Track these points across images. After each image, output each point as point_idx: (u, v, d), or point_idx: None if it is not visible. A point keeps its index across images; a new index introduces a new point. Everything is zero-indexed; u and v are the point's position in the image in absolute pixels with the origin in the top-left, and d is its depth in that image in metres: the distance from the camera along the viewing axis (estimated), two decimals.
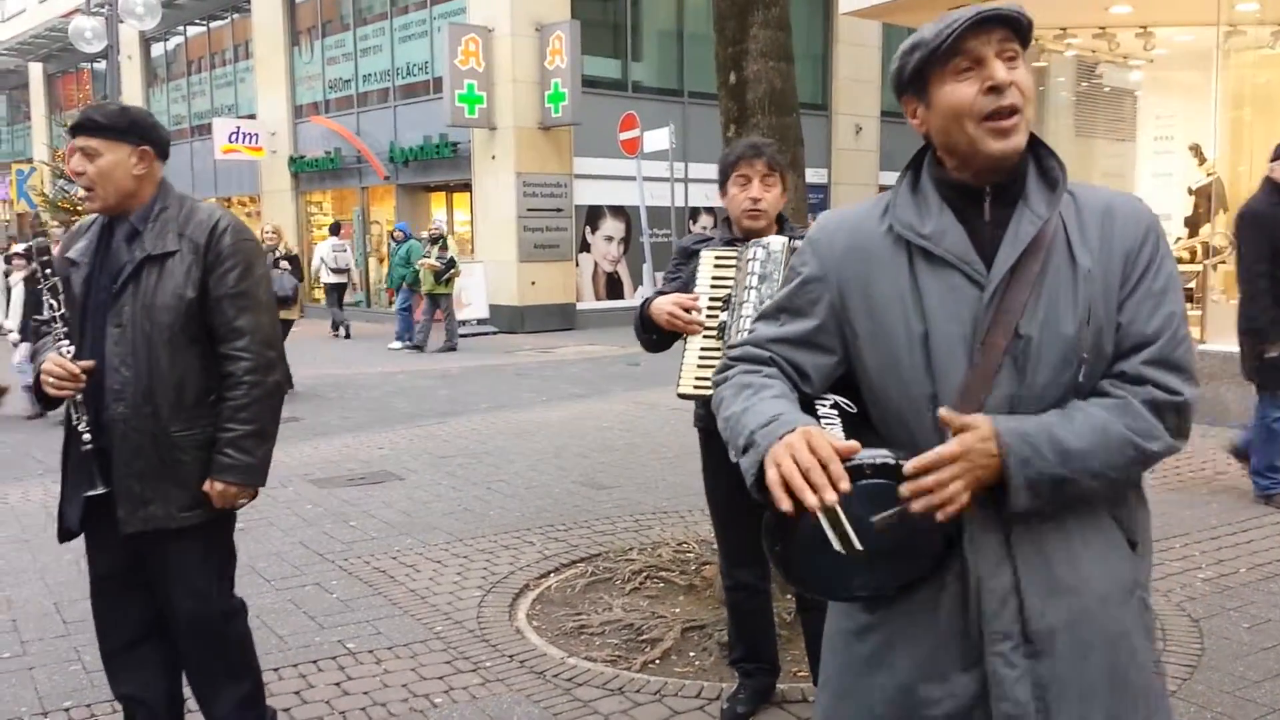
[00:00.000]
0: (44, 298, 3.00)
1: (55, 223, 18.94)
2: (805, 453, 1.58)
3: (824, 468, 1.57)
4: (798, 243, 3.24)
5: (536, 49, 19.29)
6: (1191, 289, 9.87)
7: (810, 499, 1.55)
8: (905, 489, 1.61)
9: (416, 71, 21.57)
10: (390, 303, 23.13)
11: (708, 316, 3.32)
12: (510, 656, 4.28)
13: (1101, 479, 1.67)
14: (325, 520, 6.37)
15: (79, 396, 2.96)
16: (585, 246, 20.60)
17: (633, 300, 20.95)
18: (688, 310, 3.32)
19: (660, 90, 21.26)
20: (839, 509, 1.58)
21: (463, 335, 18.59)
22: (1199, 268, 10.15)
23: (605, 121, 18.48)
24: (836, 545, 1.62)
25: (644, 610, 4.67)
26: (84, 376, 2.92)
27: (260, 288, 3.08)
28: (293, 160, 24.32)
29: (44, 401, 3.05)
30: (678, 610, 4.65)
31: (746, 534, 3.62)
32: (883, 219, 1.81)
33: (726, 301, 3.30)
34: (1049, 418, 1.67)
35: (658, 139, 16.93)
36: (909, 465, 1.62)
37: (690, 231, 19.82)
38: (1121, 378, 1.70)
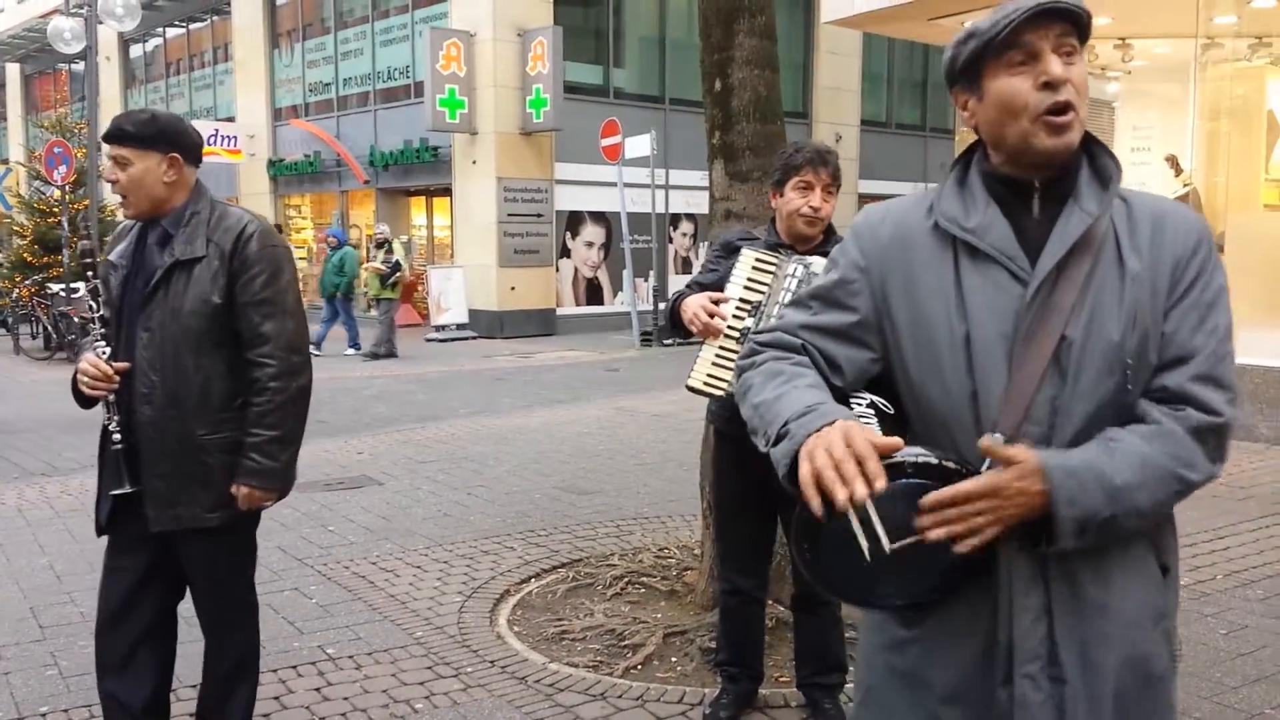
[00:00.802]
0: (86, 299, 3.08)
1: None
2: (841, 446, 1.51)
3: (860, 463, 1.49)
4: None
5: (518, 54, 19.29)
6: None
7: (840, 493, 1.47)
8: (924, 520, 1.54)
9: (397, 75, 21.54)
10: (369, 308, 23.12)
11: (735, 316, 3.26)
12: (491, 662, 4.27)
13: (1144, 516, 1.62)
14: (303, 525, 6.33)
15: (111, 397, 3.00)
16: (565, 252, 20.61)
17: (613, 306, 20.98)
18: (712, 314, 3.26)
19: (642, 97, 21.30)
20: (870, 507, 1.49)
21: (441, 340, 18.57)
22: None
23: (586, 127, 18.52)
24: (863, 546, 1.53)
25: (625, 616, 4.66)
26: (117, 377, 2.97)
27: (287, 293, 3.09)
28: (272, 163, 24.24)
29: (81, 401, 3.08)
30: (659, 616, 4.65)
31: (750, 539, 3.61)
32: (929, 213, 1.75)
33: (755, 307, 3.25)
34: (1091, 453, 1.59)
35: (639, 145, 16.98)
36: (929, 498, 1.54)
37: (670, 239, 19.87)
38: (1163, 394, 1.63)
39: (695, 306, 3.29)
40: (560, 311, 20.40)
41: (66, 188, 17.07)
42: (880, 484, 1.47)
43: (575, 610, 4.81)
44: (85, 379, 2.97)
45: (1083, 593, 1.66)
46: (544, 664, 4.24)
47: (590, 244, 21.00)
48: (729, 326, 3.25)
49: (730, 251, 3.44)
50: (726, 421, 3.51)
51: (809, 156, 3.40)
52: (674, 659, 4.24)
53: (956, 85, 1.73)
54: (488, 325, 19.38)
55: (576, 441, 9.09)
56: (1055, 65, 1.61)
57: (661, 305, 14.11)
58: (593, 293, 21.18)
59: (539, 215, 19.92)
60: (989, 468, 1.58)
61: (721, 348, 3.25)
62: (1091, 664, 1.66)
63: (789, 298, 3.14)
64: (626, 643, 4.37)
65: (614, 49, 21.40)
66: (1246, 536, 5.87)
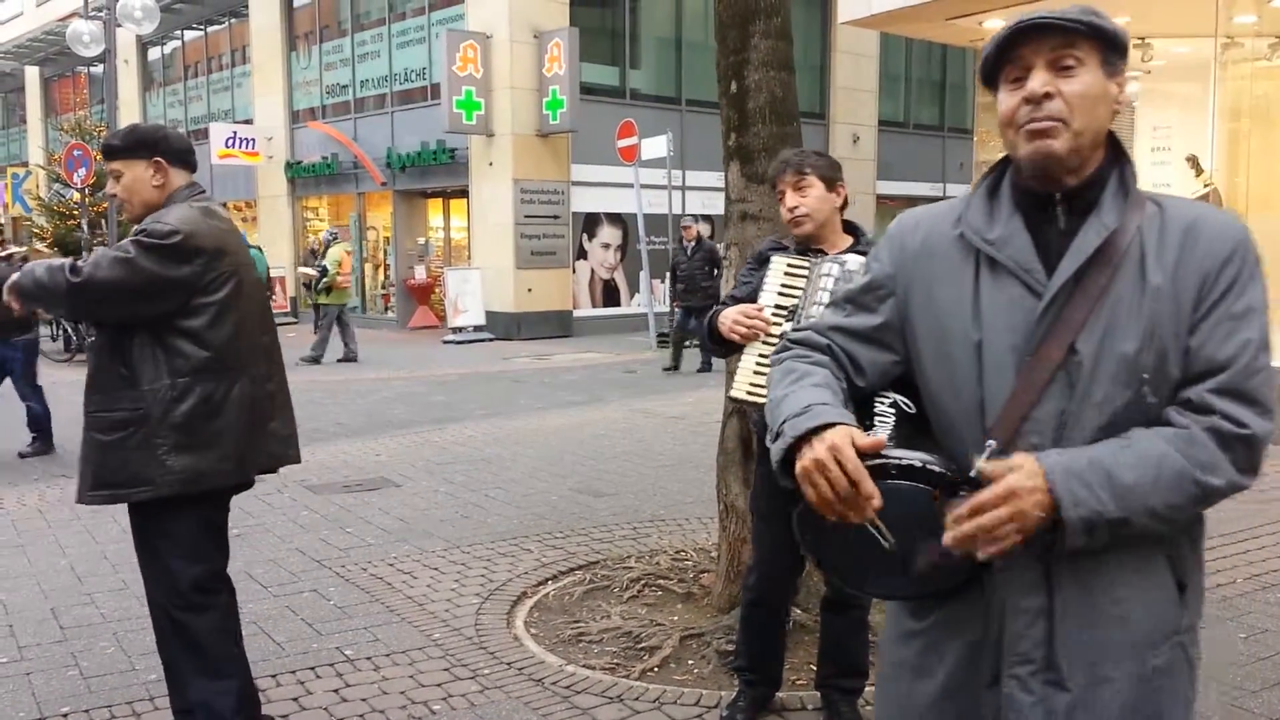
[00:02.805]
0: None
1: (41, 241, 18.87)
2: (836, 471, 1.59)
3: (855, 486, 1.59)
4: None
5: (535, 56, 19.31)
6: None
7: (851, 519, 1.61)
8: (948, 538, 1.58)
9: (414, 77, 21.58)
10: (387, 307, 23.20)
11: (773, 322, 3.25)
12: (508, 664, 4.28)
13: (1160, 518, 1.58)
14: (322, 526, 6.36)
15: None
16: (582, 254, 20.62)
17: (630, 308, 20.98)
18: (752, 316, 3.26)
19: (658, 98, 21.29)
20: (875, 520, 1.63)
21: (458, 342, 18.60)
22: None
23: (603, 129, 18.52)
24: (886, 545, 1.65)
25: (642, 618, 4.66)
26: None
27: (132, 247, 3.18)
28: (289, 166, 24.32)
29: None
30: (676, 618, 4.64)
31: (786, 549, 3.41)
32: (956, 224, 1.77)
33: (792, 312, 3.24)
34: (1102, 450, 1.59)
35: (655, 146, 16.97)
36: (952, 515, 1.58)
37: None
38: (1187, 405, 1.61)
39: (731, 317, 3.29)
40: (577, 313, 20.41)
41: (86, 190, 17.17)
42: (876, 503, 1.59)
43: (592, 612, 4.81)
44: None
45: (1091, 600, 1.65)
46: (561, 666, 4.24)
47: (607, 245, 21.01)
48: (768, 333, 3.23)
49: (761, 262, 3.45)
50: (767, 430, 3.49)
51: (774, 170, 3.53)
52: (691, 661, 4.24)
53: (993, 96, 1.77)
54: (505, 327, 19.41)
55: (593, 443, 9.10)
56: (1035, 81, 1.63)
57: (678, 310, 14.23)
58: (609, 294, 21.19)
59: (556, 217, 19.94)
60: (987, 459, 1.62)
61: (760, 355, 3.23)
62: (1097, 676, 1.65)
63: (826, 297, 3.12)
64: (643, 645, 4.37)
65: (630, 50, 21.41)
66: (1267, 540, 5.83)
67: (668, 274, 14.97)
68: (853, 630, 3.61)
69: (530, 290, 19.58)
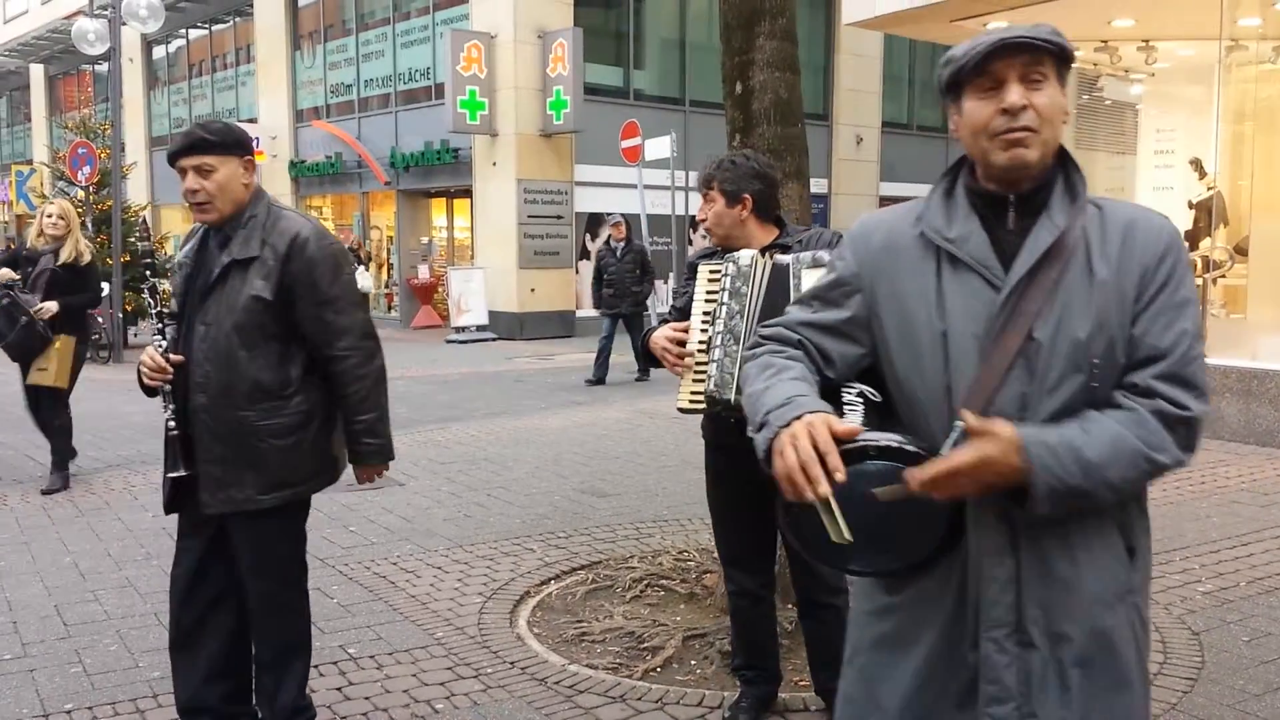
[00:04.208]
0: (144, 296, 3.25)
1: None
2: (806, 443, 1.70)
3: (822, 459, 1.68)
4: (780, 255, 3.28)
5: (539, 56, 19.32)
6: None
7: (807, 494, 1.68)
8: (913, 487, 1.70)
9: (418, 77, 21.60)
10: (390, 307, 23.21)
11: (700, 331, 3.35)
12: (511, 663, 4.29)
13: (1115, 490, 1.75)
14: (325, 525, 6.36)
15: (168, 387, 3.21)
16: (585, 254, 20.60)
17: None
18: (680, 343, 3.36)
19: (662, 98, 21.29)
20: (832, 500, 1.69)
21: (461, 341, 18.62)
22: (1199, 282, 10.17)
23: (607, 129, 18.51)
24: (832, 535, 1.73)
25: (645, 618, 4.67)
26: (171, 369, 3.18)
27: (350, 287, 3.33)
28: (293, 165, 24.33)
29: (145, 390, 3.30)
30: (679, 618, 4.65)
31: (746, 541, 3.65)
32: (916, 222, 1.92)
33: (714, 316, 3.33)
34: (1068, 430, 1.73)
35: (659, 147, 16.95)
36: (918, 477, 1.70)
37: (690, 241, 19.86)
38: (1132, 389, 1.77)
39: (661, 340, 3.41)
40: (580, 313, 20.38)
41: (91, 188, 17.19)
42: (840, 477, 1.68)
43: (595, 612, 4.82)
44: (145, 371, 3.20)
45: (1051, 566, 1.81)
46: (564, 665, 4.25)
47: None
48: (697, 345, 3.33)
49: (693, 271, 3.55)
50: (713, 432, 3.63)
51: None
52: (693, 662, 4.25)
53: (946, 102, 1.90)
54: (508, 327, 19.42)
55: (596, 444, 9.11)
56: (1012, 94, 1.76)
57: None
58: None
59: (559, 217, 19.95)
60: (954, 446, 1.74)
61: (698, 364, 3.33)
62: (1056, 634, 1.81)
63: (727, 296, 3.25)
64: (646, 645, 4.37)
65: (634, 51, 21.42)
66: (1271, 543, 5.83)
67: (592, 277, 13.54)
68: (834, 629, 3.59)
69: (533, 290, 19.59)
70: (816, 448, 1.69)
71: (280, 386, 3.21)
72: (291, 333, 3.23)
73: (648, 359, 3.55)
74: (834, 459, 1.68)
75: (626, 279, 12.99)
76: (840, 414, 1.87)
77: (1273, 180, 10.06)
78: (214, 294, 3.19)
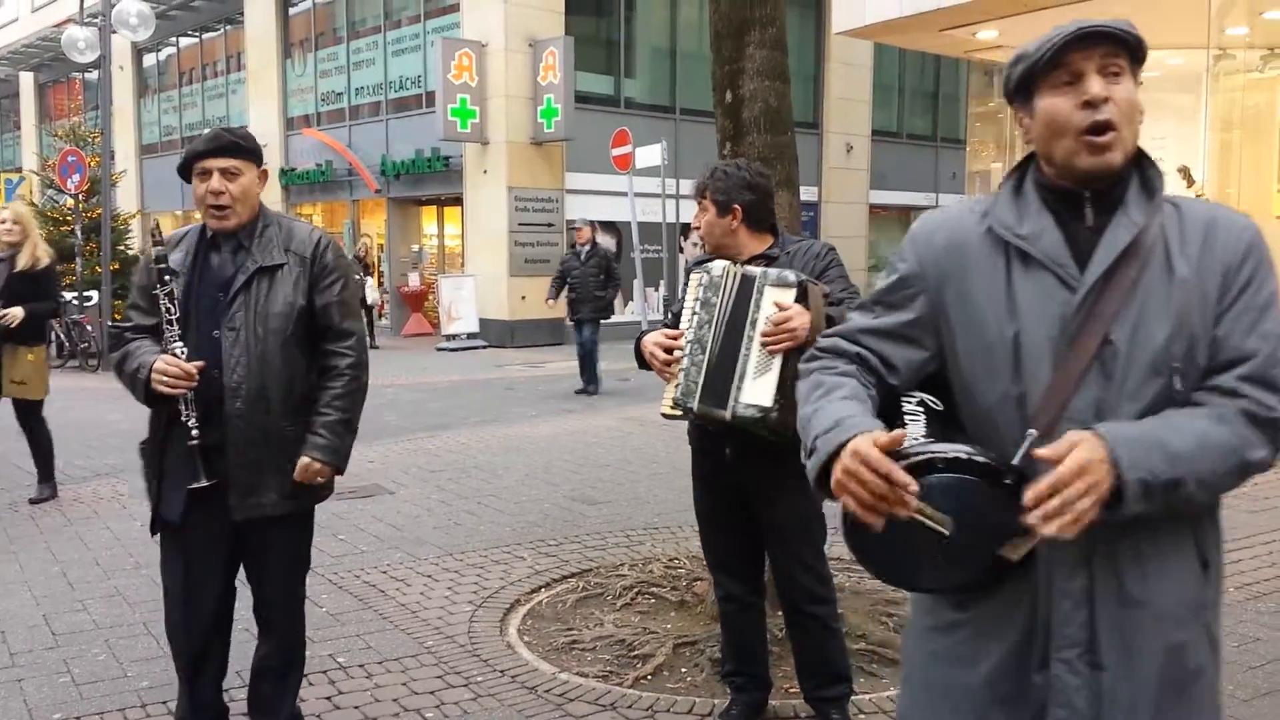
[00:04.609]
0: (161, 302, 3.18)
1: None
2: (867, 474, 1.64)
3: (888, 480, 1.62)
4: (751, 266, 3.27)
5: (530, 64, 19.36)
6: None
7: (899, 514, 1.64)
8: (1032, 518, 1.60)
9: (409, 85, 21.61)
10: (381, 314, 23.17)
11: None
12: (501, 671, 4.28)
13: (1206, 486, 1.66)
14: (314, 533, 6.32)
15: (189, 395, 3.14)
16: None
17: (623, 316, 20.95)
18: (668, 350, 3.35)
19: (653, 107, 21.34)
20: (921, 506, 1.65)
21: (452, 349, 18.60)
22: None
23: (597, 137, 18.55)
24: (944, 531, 1.67)
25: (635, 626, 4.66)
26: (196, 375, 3.13)
27: (355, 299, 3.46)
28: (283, 172, 24.30)
29: (150, 399, 3.20)
30: (669, 626, 4.65)
31: (732, 546, 3.66)
32: (982, 219, 1.84)
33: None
34: (1148, 423, 1.66)
35: (650, 155, 17.00)
36: (1030, 494, 1.60)
37: (681, 249, 19.90)
38: (1216, 390, 1.69)
39: (650, 344, 3.40)
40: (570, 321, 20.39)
41: (80, 196, 17.15)
42: (914, 489, 1.62)
43: (585, 620, 4.81)
44: (165, 378, 3.09)
45: (1124, 581, 1.72)
46: (554, 674, 4.24)
47: None
48: (676, 375, 3.33)
49: (689, 277, 3.56)
50: (698, 438, 3.64)
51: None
52: (684, 670, 4.24)
53: (1013, 104, 1.82)
54: (498, 334, 19.41)
55: (587, 451, 9.10)
56: (1095, 85, 1.70)
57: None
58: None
59: (550, 225, 19.96)
60: (1022, 457, 1.66)
61: (682, 371, 3.33)
62: (1130, 651, 1.72)
63: (699, 305, 3.29)
64: (636, 653, 4.37)
65: (625, 59, 21.46)
66: (1260, 549, 5.85)
67: (554, 282, 12.95)
68: (821, 638, 3.60)
69: (524, 298, 19.57)
70: (875, 471, 1.63)
71: (309, 390, 3.29)
72: (314, 339, 3.30)
73: (642, 366, 3.53)
74: (898, 475, 1.62)
75: (590, 283, 12.49)
76: (901, 424, 1.83)
77: (1260, 188, 10.12)
78: (239, 300, 3.18)
